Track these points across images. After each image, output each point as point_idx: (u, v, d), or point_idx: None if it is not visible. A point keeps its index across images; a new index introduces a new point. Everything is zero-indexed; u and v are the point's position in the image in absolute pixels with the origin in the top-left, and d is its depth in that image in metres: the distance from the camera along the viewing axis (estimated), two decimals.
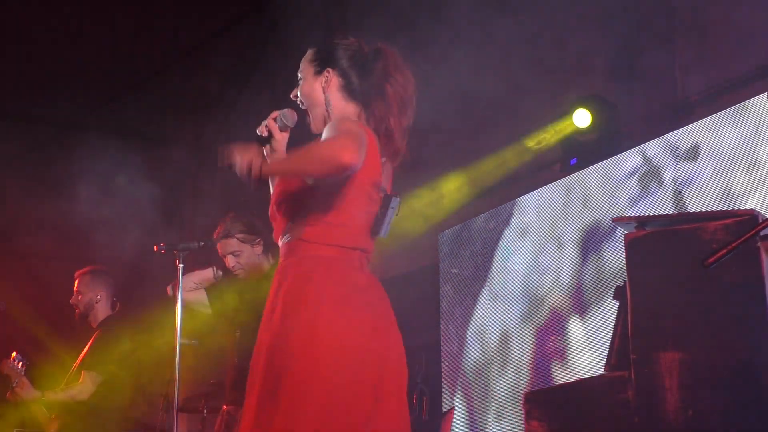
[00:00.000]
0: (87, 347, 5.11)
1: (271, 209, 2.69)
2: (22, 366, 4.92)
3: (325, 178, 2.51)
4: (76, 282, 5.25)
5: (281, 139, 2.76)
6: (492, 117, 6.10)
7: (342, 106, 2.69)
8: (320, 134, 2.68)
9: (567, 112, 5.60)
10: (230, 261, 4.34)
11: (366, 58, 2.71)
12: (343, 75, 2.69)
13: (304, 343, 2.42)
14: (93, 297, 5.19)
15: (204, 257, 4.84)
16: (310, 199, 2.57)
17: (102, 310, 5.20)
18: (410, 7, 6.00)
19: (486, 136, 6.20)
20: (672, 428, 2.99)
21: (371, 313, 2.53)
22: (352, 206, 2.56)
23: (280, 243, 2.66)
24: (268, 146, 2.75)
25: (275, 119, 2.75)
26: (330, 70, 2.70)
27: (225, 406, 4.44)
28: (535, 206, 6.02)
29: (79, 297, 5.20)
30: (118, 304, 5.26)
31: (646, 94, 5.32)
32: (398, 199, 2.62)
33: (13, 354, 4.92)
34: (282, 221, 2.65)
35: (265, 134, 2.74)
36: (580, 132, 5.58)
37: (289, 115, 2.75)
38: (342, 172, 2.43)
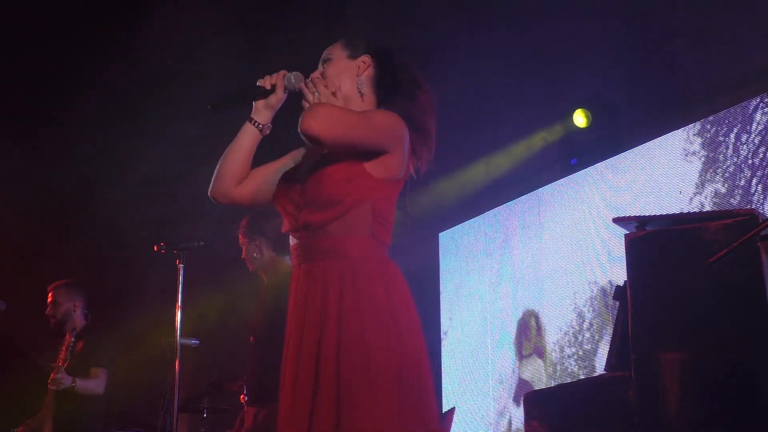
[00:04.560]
0: (69, 353, 5.16)
1: (312, 201, 2.47)
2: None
3: (371, 148, 2.44)
4: (51, 294, 5.43)
5: (281, 98, 2.59)
6: (493, 117, 6.10)
7: (371, 93, 2.61)
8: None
9: (567, 112, 5.61)
10: (242, 252, 4.39)
11: (396, 66, 2.63)
12: (378, 67, 2.61)
13: (392, 343, 2.38)
14: (70, 307, 5.39)
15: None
16: (369, 197, 2.46)
17: (79, 318, 5.40)
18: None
19: (486, 136, 6.20)
20: (672, 428, 3.00)
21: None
22: (394, 205, 2.55)
23: (301, 238, 2.50)
24: (263, 100, 2.59)
25: (284, 77, 2.58)
26: (368, 57, 2.61)
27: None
28: (534, 205, 6.02)
29: (56, 308, 5.38)
30: (89, 315, 5.45)
31: (646, 94, 5.32)
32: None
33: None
34: (323, 216, 2.45)
35: (268, 87, 2.57)
36: (580, 132, 5.59)
37: (297, 78, 2.58)
38: (389, 146, 2.44)
